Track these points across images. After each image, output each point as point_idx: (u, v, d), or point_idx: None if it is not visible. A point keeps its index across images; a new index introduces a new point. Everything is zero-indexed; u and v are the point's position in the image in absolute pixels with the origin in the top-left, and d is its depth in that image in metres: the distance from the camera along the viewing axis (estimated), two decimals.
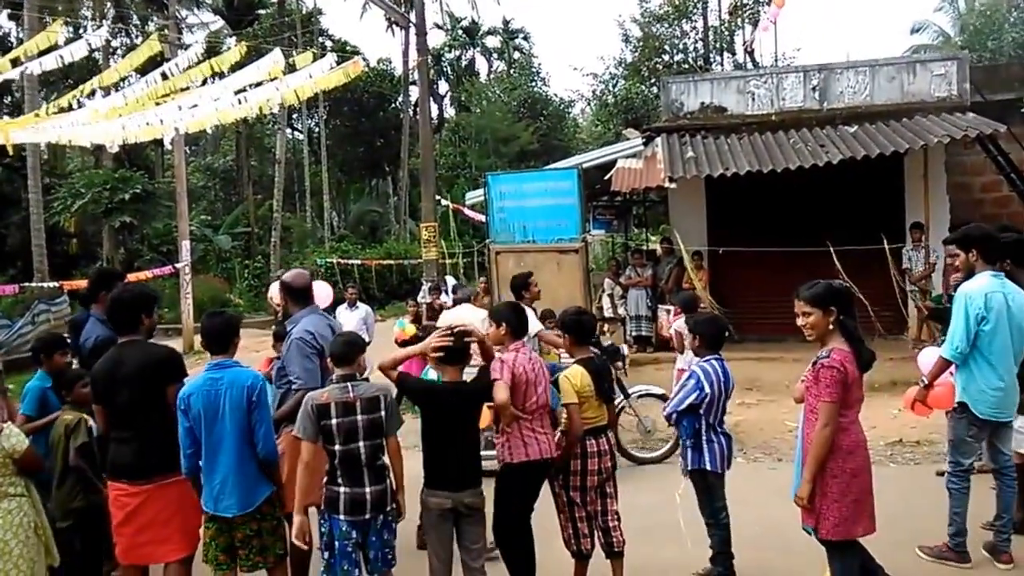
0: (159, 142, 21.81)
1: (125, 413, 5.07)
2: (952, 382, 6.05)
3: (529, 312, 8.66)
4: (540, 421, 5.47)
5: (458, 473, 5.02)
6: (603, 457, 5.58)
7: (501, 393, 5.16)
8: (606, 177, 15.31)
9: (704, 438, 5.81)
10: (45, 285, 17.95)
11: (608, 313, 15.76)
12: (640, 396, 9.26)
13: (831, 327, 4.63)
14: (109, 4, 32.84)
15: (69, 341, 6.66)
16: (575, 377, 5.54)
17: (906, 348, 12.72)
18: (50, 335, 6.90)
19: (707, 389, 5.74)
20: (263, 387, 5.05)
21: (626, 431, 9.21)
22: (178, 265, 22.61)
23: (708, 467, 5.80)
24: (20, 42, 23.68)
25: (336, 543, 4.89)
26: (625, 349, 9.29)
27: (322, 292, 11.16)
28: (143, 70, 15.08)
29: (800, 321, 4.74)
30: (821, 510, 4.63)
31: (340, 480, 4.87)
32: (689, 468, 5.87)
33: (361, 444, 4.85)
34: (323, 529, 4.98)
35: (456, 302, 8.98)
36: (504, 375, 5.24)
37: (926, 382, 6.16)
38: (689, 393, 5.78)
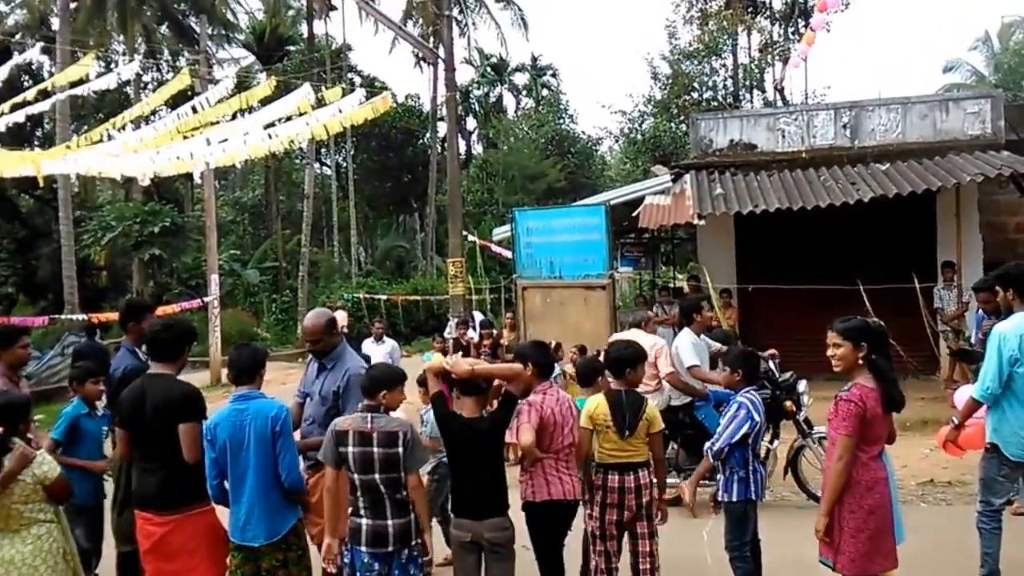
0: (189, 176, 21.96)
1: (150, 444, 5.10)
2: (983, 421, 5.93)
3: (702, 339, 8.47)
4: (566, 462, 5.41)
5: (475, 503, 4.98)
6: (626, 494, 5.47)
7: (526, 436, 5.14)
8: (634, 214, 15.25)
9: (750, 468, 5.79)
10: (74, 317, 18.07)
11: None
12: (822, 438, 8.25)
13: (859, 362, 4.64)
14: (140, 39, 33.32)
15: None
16: (591, 404, 5.56)
17: (938, 388, 12.54)
18: (84, 364, 6.97)
19: (757, 418, 5.73)
20: (287, 417, 5.07)
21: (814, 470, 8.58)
22: (206, 299, 22.68)
23: (754, 496, 5.79)
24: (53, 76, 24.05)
25: (357, 574, 4.86)
26: (804, 384, 8.63)
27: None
28: (174, 104, 15.23)
29: (830, 352, 4.76)
30: (838, 544, 4.63)
31: (362, 511, 4.86)
32: (735, 499, 5.78)
33: (378, 476, 4.82)
34: (346, 559, 4.95)
35: (629, 326, 8.69)
36: (532, 418, 5.21)
37: (957, 422, 6.05)
38: (742, 424, 5.72)
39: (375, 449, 4.82)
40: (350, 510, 4.95)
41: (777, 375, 8.75)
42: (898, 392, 4.65)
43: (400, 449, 4.85)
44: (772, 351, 9.01)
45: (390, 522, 4.84)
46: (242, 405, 5.00)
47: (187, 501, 5.02)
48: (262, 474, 4.95)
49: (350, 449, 4.84)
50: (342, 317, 14.51)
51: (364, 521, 4.85)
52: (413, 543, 4.91)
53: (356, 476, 4.85)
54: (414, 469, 4.95)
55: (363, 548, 4.84)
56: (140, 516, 5.12)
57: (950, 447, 6.19)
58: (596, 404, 5.56)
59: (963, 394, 6.48)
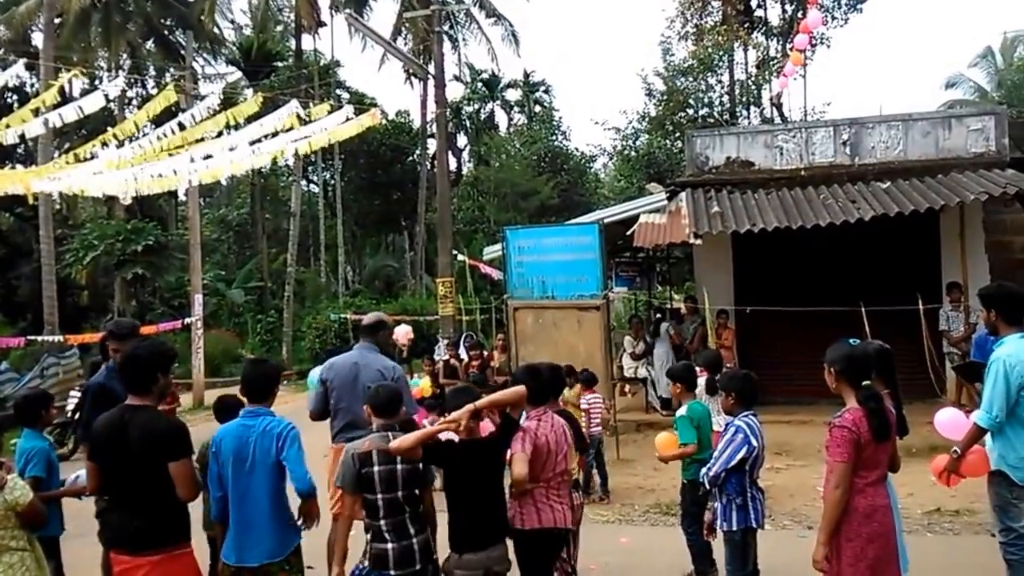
0: (173, 194, 21.72)
1: (129, 481, 4.71)
2: (983, 447, 5.77)
3: None
4: (558, 490, 5.21)
5: (481, 530, 4.88)
6: (575, 512, 5.69)
7: (519, 467, 4.94)
8: (628, 232, 14.93)
9: (748, 495, 5.74)
10: (52, 339, 17.69)
11: (629, 373, 15.28)
12: None
13: (835, 387, 4.67)
14: (125, 55, 32.98)
15: None
16: None
17: None
18: (37, 391, 6.68)
19: (754, 442, 5.66)
20: (293, 432, 5.00)
21: None
22: (188, 320, 22.30)
23: (753, 524, 5.75)
24: (37, 93, 23.70)
25: None
26: None
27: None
28: (158, 121, 14.91)
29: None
30: (838, 573, 4.55)
31: (386, 535, 4.89)
32: (734, 528, 5.73)
33: (400, 493, 4.91)
34: None
35: None
36: (526, 446, 4.99)
37: (959, 452, 5.76)
38: (739, 448, 5.64)
39: (399, 466, 4.91)
40: (370, 536, 4.96)
41: None
42: (881, 420, 4.52)
43: (420, 462, 4.97)
44: None
45: (415, 540, 4.92)
46: (250, 422, 4.97)
47: (168, 541, 4.68)
48: (265, 493, 4.90)
49: (375, 469, 4.89)
50: (405, 332, 14.32)
51: (389, 545, 4.88)
52: (434, 556, 5.00)
53: (380, 496, 4.88)
54: (432, 483, 5.21)
55: (392, 572, 4.87)
56: (115, 558, 4.76)
57: (952, 478, 5.91)
58: None
59: (947, 417, 6.36)
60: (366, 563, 5.05)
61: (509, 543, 5.06)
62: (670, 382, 7.34)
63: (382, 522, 4.88)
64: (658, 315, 16.33)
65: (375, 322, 7.02)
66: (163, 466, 4.62)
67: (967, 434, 5.77)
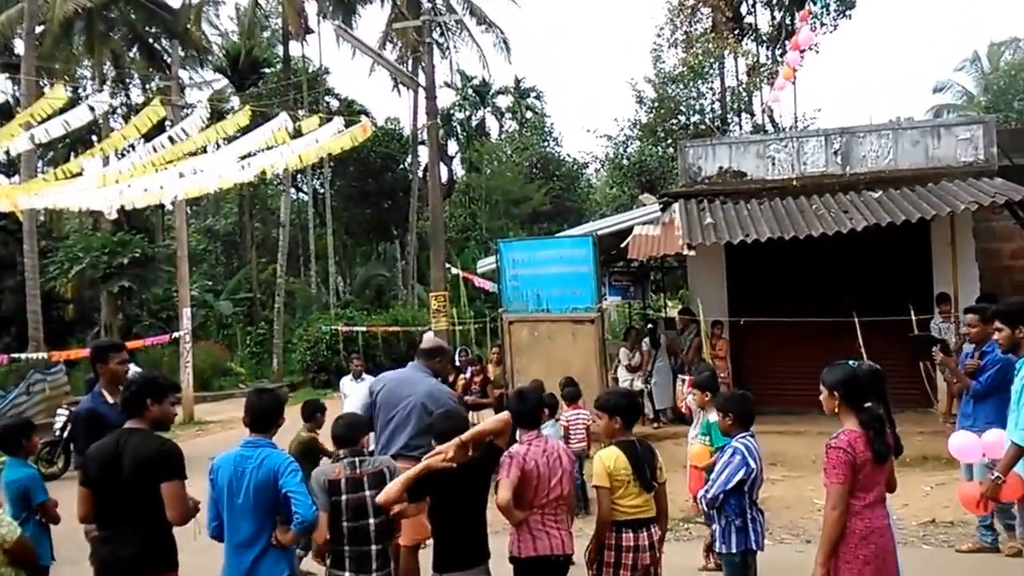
0: (160, 205, 21.56)
1: (120, 506, 4.70)
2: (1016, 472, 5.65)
3: None
4: (555, 515, 5.11)
5: (466, 550, 4.89)
6: (640, 553, 5.20)
7: (503, 492, 4.87)
8: (623, 244, 14.89)
9: (748, 516, 5.66)
10: (35, 356, 17.46)
11: (624, 385, 15.18)
12: None
13: (836, 409, 4.62)
14: (108, 63, 32.67)
15: None
16: (608, 459, 5.22)
17: (935, 421, 12.17)
18: (20, 420, 6.93)
19: (752, 464, 5.60)
20: (292, 465, 4.93)
21: None
22: (176, 334, 22.13)
23: (753, 546, 5.68)
24: (17, 102, 23.47)
25: None
26: None
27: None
28: (147, 135, 14.76)
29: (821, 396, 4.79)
30: None
31: (347, 564, 4.93)
32: (733, 550, 5.65)
33: (372, 521, 4.95)
34: None
35: None
36: (512, 472, 4.92)
37: (1002, 478, 5.63)
38: (737, 469, 5.58)
39: (367, 492, 4.97)
40: (330, 561, 5.00)
41: None
42: (881, 443, 4.54)
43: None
44: None
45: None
46: (248, 452, 4.92)
47: (156, 569, 4.68)
48: (256, 524, 4.86)
49: (344, 497, 4.96)
50: (430, 339, 14.24)
51: (347, 574, 4.93)
52: None
53: (346, 524, 4.94)
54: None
55: None
56: None
57: (988, 504, 5.82)
58: (614, 459, 5.23)
59: (961, 442, 6.27)
60: None
61: (493, 565, 5.03)
62: (693, 391, 7.34)
63: (345, 548, 4.96)
64: (649, 326, 16.22)
65: (434, 347, 6.96)
66: (155, 489, 4.61)
67: (1006, 457, 5.69)
